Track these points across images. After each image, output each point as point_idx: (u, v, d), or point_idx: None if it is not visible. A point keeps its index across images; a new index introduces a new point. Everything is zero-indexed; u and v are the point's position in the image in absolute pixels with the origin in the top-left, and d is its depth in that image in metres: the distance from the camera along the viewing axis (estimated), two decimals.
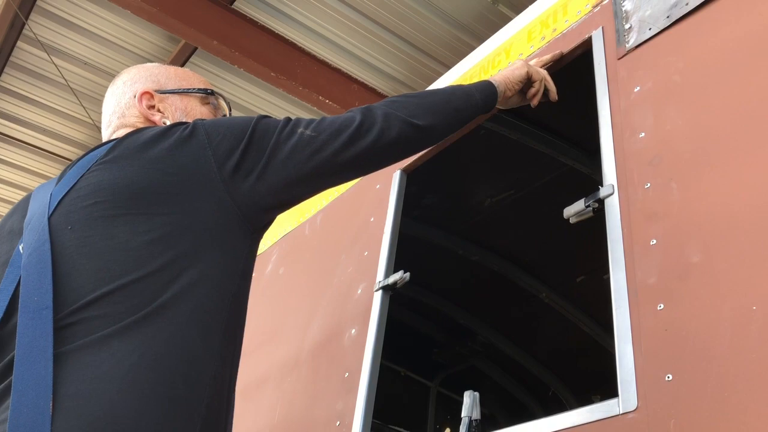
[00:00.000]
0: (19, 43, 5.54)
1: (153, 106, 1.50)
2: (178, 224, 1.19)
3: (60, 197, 1.22)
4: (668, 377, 1.17)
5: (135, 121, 1.46)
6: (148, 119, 1.47)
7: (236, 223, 1.26)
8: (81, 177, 1.24)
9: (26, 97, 6.09)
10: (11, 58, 5.67)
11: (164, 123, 1.49)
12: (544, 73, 1.74)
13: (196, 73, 1.63)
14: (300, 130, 1.31)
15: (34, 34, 5.27)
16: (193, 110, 1.53)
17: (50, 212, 1.20)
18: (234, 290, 1.24)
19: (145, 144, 1.26)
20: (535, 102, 1.75)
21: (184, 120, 1.49)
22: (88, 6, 5.26)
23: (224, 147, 1.27)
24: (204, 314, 1.16)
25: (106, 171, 1.23)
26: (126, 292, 1.10)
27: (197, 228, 1.21)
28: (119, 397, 1.01)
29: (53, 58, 5.40)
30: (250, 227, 1.29)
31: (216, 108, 1.58)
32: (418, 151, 1.48)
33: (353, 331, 2.02)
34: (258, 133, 1.30)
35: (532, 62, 1.78)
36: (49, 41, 5.48)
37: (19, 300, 1.08)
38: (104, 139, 1.48)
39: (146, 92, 1.50)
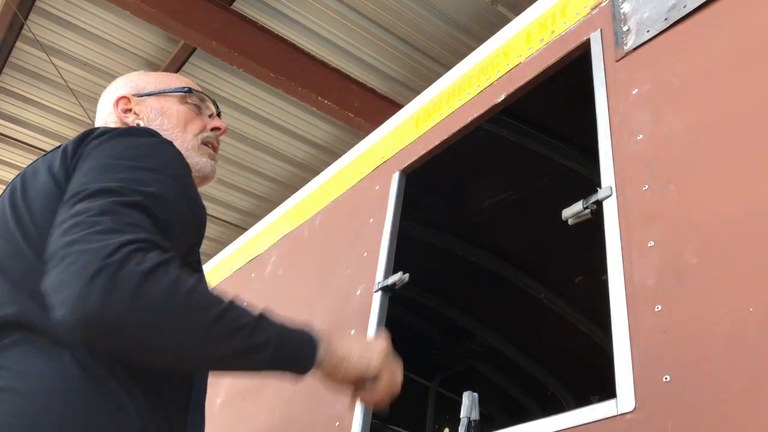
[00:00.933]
0: (18, 44, 5.54)
1: (129, 110, 1.51)
2: None
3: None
4: (666, 378, 1.18)
5: (114, 126, 1.45)
6: (123, 122, 1.48)
7: None
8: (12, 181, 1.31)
9: (25, 97, 6.08)
10: (10, 59, 5.67)
11: (137, 124, 1.50)
12: (398, 377, 1.24)
13: (181, 77, 1.62)
14: (79, 207, 1.06)
15: (33, 34, 5.27)
16: (170, 110, 1.52)
17: None
18: None
19: (66, 150, 1.25)
20: (364, 401, 1.25)
21: (157, 121, 1.49)
22: (87, 6, 5.26)
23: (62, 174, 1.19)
24: None
25: (27, 175, 1.28)
26: (33, 310, 1.09)
27: None
28: (45, 395, 1.03)
29: (52, 58, 5.40)
30: None
31: (199, 108, 1.56)
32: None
33: (352, 332, 2.03)
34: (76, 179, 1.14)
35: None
36: (48, 42, 5.48)
37: None
38: None
39: (123, 97, 1.52)
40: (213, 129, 1.56)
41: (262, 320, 1.08)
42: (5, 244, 1.19)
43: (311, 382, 2.11)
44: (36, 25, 5.34)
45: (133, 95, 1.52)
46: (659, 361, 1.20)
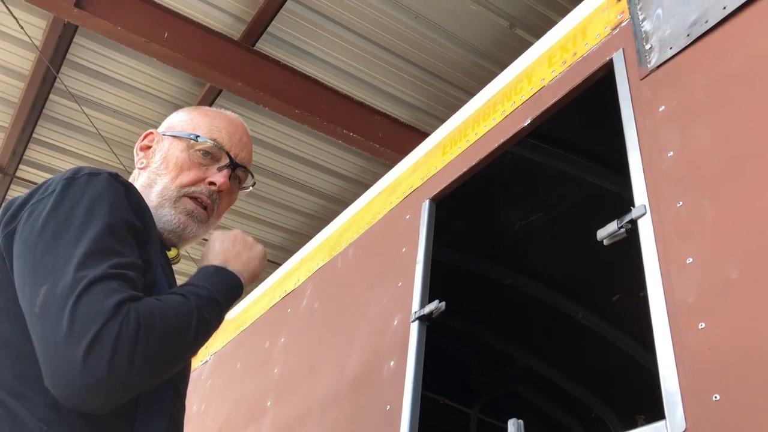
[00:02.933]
0: (52, 96, 5.73)
1: (149, 147, 1.52)
2: None
3: None
4: (715, 397, 1.16)
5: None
6: (136, 158, 1.53)
7: None
8: None
9: (60, 147, 6.27)
10: (44, 111, 5.86)
11: (141, 164, 1.52)
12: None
13: (217, 124, 1.53)
14: (43, 289, 1.11)
15: (66, 86, 5.45)
16: (172, 154, 1.48)
17: None
18: None
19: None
20: None
21: (158, 163, 1.48)
22: (115, 56, 5.43)
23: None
24: None
25: None
26: None
27: None
28: None
29: (84, 108, 5.57)
30: None
31: (210, 157, 1.49)
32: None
33: (392, 363, 2.03)
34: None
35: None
36: (80, 92, 5.66)
37: None
38: None
39: (150, 132, 1.54)
40: (210, 183, 1.48)
41: (201, 298, 1.23)
42: None
43: (353, 416, 2.11)
44: (68, 77, 5.53)
45: (160, 132, 1.54)
46: (707, 379, 1.18)
